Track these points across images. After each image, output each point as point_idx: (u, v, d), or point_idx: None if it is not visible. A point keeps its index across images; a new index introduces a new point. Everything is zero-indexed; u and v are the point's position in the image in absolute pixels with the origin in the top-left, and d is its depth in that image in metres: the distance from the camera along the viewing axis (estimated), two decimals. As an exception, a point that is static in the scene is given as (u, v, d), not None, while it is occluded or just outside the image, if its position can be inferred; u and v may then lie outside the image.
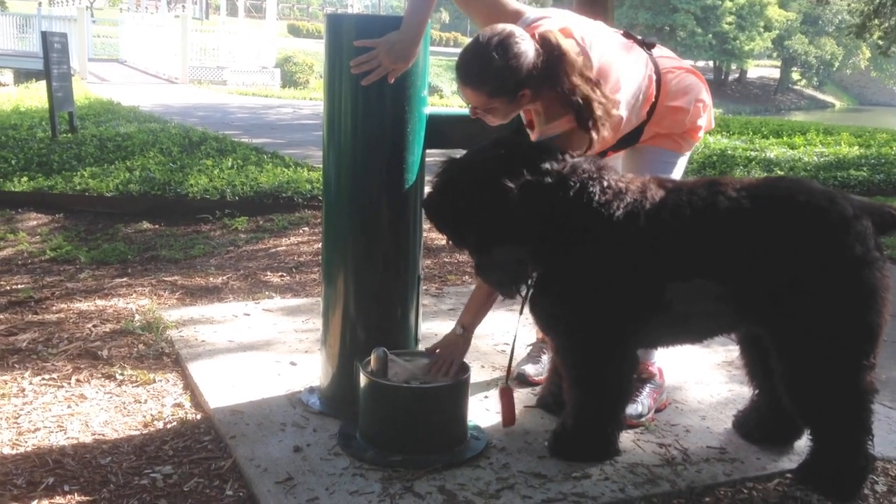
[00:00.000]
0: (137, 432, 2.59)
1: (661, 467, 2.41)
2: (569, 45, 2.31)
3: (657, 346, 2.69)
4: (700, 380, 3.10)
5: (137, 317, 3.66)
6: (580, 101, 2.28)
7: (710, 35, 39.68)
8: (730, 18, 40.01)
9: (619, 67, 2.45)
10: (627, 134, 2.57)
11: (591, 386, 2.40)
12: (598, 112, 2.31)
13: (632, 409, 2.65)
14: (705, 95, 2.67)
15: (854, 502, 2.30)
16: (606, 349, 2.35)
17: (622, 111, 2.43)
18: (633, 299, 2.29)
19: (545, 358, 3.04)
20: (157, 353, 3.23)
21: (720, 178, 2.36)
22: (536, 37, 2.32)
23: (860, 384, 2.25)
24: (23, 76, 22.06)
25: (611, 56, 2.45)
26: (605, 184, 2.27)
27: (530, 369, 3.02)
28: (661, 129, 2.63)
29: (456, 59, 2.40)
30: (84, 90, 15.70)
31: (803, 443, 2.56)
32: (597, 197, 2.25)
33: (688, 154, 2.74)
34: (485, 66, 2.28)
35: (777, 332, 2.29)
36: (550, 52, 2.29)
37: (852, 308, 2.21)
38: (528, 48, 2.28)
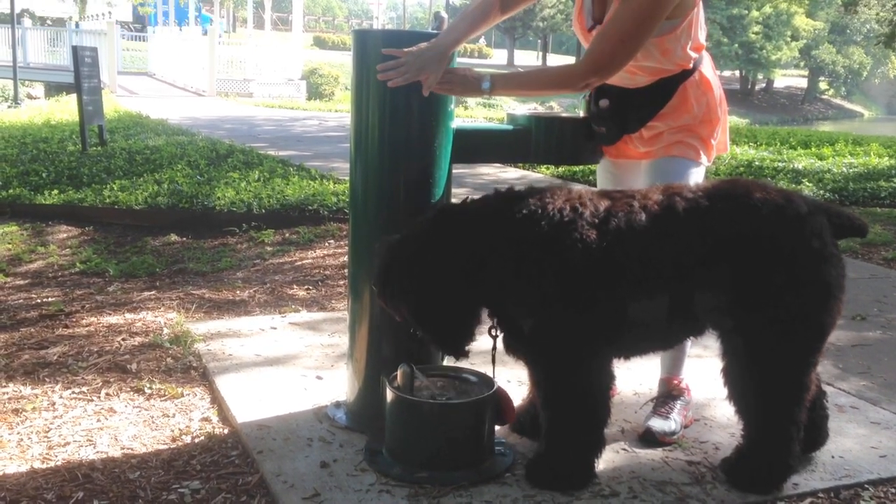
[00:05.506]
0: (166, 447, 2.60)
1: (690, 486, 2.38)
2: None
3: (629, 357, 2.50)
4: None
5: (166, 330, 3.69)
6: None
7: (737, 45, 39.41)
8: (756, 28, 39.72)
9: None
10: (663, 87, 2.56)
11: (563, 406, 2.31)
12: None
13: (665, 426, 2.63)
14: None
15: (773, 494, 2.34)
16: (576, 366, 2.28)
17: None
18: (597, 311, 2.24)
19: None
20: (184, 366, 3.25)
21: (672, 184, 2.37)
22: None
23: (803, 381, 2.30)
24: (53, 89, 22.43)
25: None
26: (548, 206, 2.26)
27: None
28: (695, 103, 2.59)
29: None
30: (113, 103, 15.94)
31: (828, 458, 2.53)
32: (545, 219, 2.24)
33: (705, 165, 2.68)
34: None
35: (731, 328, 2.29)
36: None
37: (805, 300, 2.22)
38: None
